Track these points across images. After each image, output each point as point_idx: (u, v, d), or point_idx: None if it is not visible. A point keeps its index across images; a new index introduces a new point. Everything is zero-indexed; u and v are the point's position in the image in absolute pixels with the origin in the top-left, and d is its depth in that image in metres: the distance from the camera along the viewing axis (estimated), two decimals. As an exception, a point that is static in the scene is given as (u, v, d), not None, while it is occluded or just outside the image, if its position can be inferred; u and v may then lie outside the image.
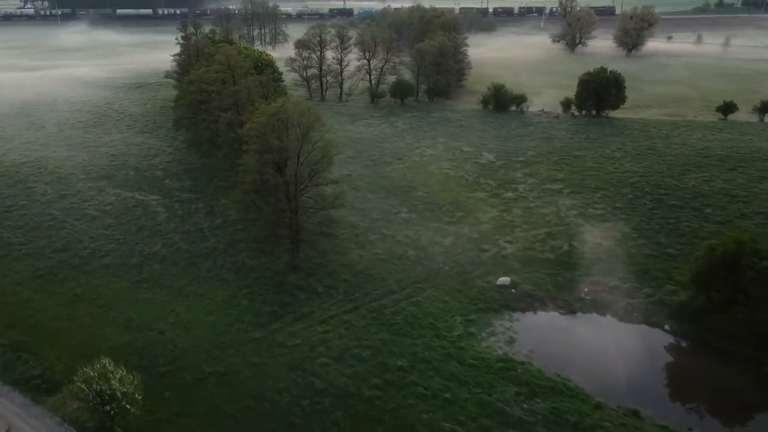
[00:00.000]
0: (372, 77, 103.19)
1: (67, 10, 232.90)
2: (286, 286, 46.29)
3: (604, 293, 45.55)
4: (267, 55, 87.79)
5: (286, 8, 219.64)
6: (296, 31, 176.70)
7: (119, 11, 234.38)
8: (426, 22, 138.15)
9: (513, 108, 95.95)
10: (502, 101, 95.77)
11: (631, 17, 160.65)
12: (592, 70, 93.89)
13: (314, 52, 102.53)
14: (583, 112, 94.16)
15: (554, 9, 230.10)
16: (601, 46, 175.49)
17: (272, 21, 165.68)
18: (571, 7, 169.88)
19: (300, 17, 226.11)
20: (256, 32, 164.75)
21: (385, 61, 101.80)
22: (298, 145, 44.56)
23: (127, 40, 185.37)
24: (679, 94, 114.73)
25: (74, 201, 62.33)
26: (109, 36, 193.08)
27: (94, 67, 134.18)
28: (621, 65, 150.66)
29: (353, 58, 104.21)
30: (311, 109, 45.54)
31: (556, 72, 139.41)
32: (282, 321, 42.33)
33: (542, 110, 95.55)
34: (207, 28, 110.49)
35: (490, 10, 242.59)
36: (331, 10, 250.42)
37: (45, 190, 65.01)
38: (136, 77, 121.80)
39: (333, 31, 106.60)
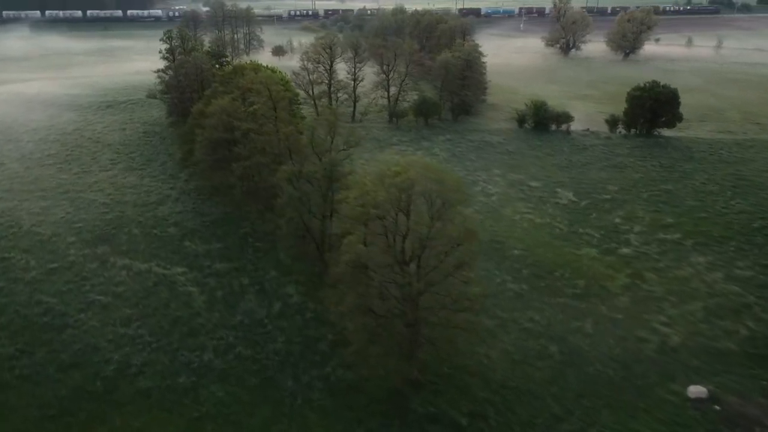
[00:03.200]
0: (390, 93, 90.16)
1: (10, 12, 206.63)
2: (413, 418, 33.31)
3: (834, 405, 34.71)
4: (280, 72, 73.49)
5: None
6: (272, 36, 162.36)
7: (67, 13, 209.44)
8: (425, 28, 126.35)
9: (553, 127, 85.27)
10: (543, 120, 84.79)
11: (629, 20, 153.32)
12: (643, 84, 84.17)
13: (322, 65, 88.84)
14: (632, 131, 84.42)
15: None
16: (594, 49, 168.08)
17: (246, 24, 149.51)
18: (566, 9, 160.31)
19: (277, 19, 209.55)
20: (228, 37, 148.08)
21: (405, 75, 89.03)
22: (428, 227, 31.62)
23: (78, 47, 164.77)
24: (708, 104, 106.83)
25: (70, 279, 46.98)
26: (56, 42, 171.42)
27: (49, 82, 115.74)
28: (625, 70, 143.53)
29: (369, 72, 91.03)
30: (448, 174, 32.61)
31: (565, 80, 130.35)
32: (434, 486, 29.48)
33: (588, 129, 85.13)
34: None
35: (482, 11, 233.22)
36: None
37: (26, 263, 49.23)
38: (102, 94, 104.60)
39: (344, 39, 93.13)
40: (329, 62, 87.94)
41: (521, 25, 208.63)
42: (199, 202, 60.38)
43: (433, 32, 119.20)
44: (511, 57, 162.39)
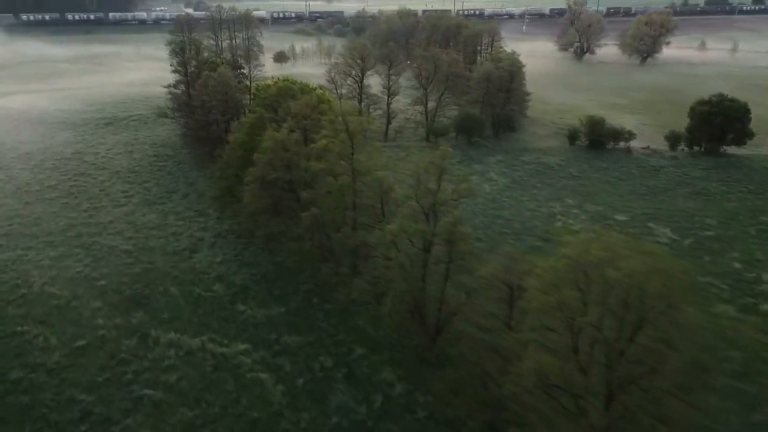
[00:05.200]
0: (428, 109, 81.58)
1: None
2: None
3: None
4: (323, 90, 64.30)
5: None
6: (265, 40, 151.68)
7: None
8: (443, 32, 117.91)
9: (609, 145, 77.61)
10: (599, 138, 77.01)
11: (647, 23, 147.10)
12: (707, 98, 77.07)
13: (352, 77, 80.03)
14: (695, 148, 77.22)
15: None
16: (606, 53, 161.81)
17: (244, 29, 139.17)
18: (581, 12, 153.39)
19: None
20: (225, 42, 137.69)
21: (445, 89, 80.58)
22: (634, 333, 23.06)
23: (60, 54, 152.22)
24: (753, 114, 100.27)
25: (106, 364, 37.34)
26: (35, 48, 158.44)
27: (34, 95, 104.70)
28: (647, 76, 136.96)
29: (404, 85, 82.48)
30: (673, 262, 24.08)
31: (589, 87, 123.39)
32: None
33: (648, 147, 77.70)
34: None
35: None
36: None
37: (45, 340, 39.41)
38: (98, 109, 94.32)
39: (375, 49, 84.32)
40: (361, 74, 79.03)
41: (524, 27, 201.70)
42: (240, 248, 51.13)
43: (456, 37, 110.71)
44: (524, 61, 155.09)
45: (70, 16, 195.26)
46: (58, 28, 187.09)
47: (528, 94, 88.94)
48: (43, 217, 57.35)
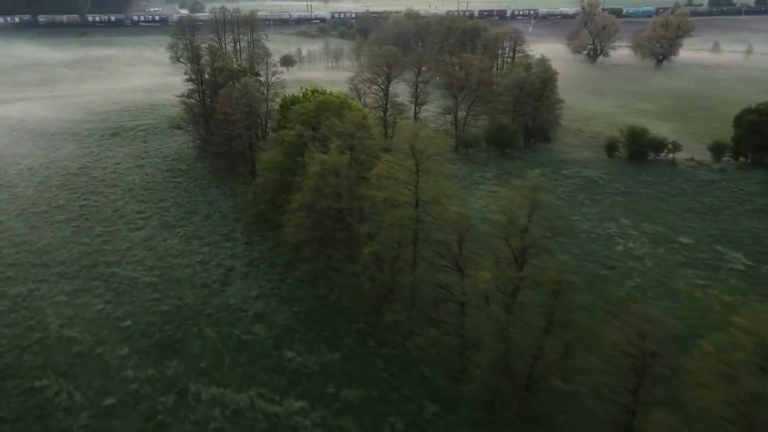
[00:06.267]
0: (457, 118, 76.84)
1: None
2: None
3: None
4: (357, 104, 59.34)
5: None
6: (274, 43, 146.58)
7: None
8: (460, 36, 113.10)
9: (650, 156, 73.25)
10: (641, 150, 72.59)
11: (663, 25, 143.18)
12: (753, 106, 72.83)
13: (376, 84, 75.04)
14: (740, 159, 73.00)
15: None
16: (619, 56, 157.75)
17: (249, 31, 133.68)
18: (594, 14, 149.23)
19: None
20: (230, 45, 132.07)
21: (475, 97, 75.89)
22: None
23: (55, 58, 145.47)
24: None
25: (141, 429, 32.23)
26: (29, 51, 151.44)
27: (33, 103, 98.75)
28: (667, 80, 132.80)
29: (432, 94, 77.68)
30: None
31: (610, 91, 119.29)
32: None
33: (692, 158, 73.33)
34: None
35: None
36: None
37: (69, 397, 34.28)
38: (102, 118, 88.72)
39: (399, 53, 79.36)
40: (386, 82, 74.07)
41: (530, 29, 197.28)
42: (277, 280, 46.20)
43: (474, 40, 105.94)
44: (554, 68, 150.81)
45: (65, 18, 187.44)
46: (51, 30, 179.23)
47: (560, 101, 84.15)
48: (53, 243, 52.10)
